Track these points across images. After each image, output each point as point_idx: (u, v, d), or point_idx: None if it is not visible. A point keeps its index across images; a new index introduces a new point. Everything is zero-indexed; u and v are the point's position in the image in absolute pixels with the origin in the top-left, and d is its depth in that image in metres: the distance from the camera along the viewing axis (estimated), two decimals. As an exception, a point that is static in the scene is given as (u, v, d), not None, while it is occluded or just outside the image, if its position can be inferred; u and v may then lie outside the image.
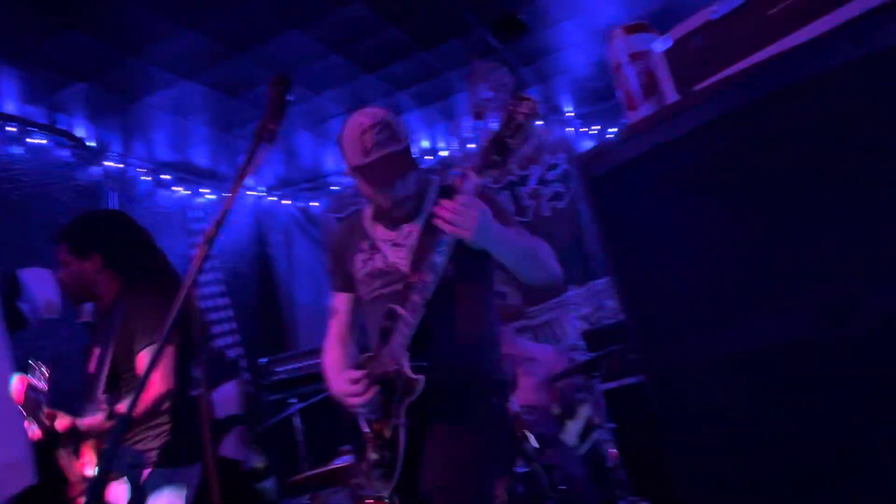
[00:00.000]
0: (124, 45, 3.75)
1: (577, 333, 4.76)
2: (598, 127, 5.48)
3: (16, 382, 2.28)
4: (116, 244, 2.48)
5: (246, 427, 5.07)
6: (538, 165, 5.43)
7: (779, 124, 1.08)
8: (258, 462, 5.00)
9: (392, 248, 2.13)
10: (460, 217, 1.83)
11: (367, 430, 2.04)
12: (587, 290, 5.01)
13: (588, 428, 4.10)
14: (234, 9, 3.60)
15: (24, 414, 2.21)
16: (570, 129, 5.47)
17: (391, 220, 2.16)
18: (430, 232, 1.99)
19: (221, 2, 3.53)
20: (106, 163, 4.78)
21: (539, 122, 5.41)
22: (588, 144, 5.51)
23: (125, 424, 1.27)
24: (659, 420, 1.35)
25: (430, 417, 1.93)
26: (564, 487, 3.32)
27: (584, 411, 4.08)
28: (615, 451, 3.33)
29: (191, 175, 5.44)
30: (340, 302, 2.27)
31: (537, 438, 3.40)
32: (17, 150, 4.28)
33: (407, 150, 2.07)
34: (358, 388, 1.98)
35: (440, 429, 1.93)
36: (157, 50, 3.83)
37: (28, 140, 4.30)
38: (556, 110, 5.45)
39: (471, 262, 2.03)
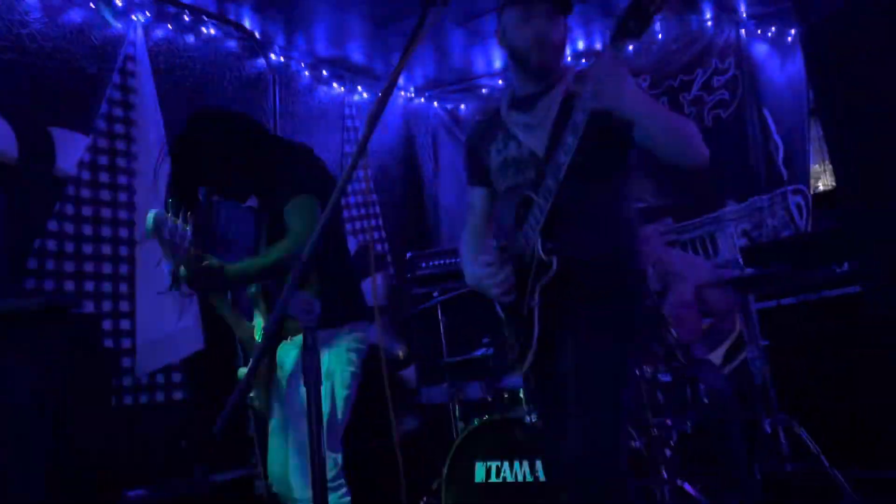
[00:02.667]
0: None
1: (734, 250, 4.52)
2: (774, 29, 5.01)
3: (150, 220, 2.20)
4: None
5: (390, 317, 5.30)
6: (704, 70, 5.06)
7: None
8: (400, 350, 5.23)
9: (526, 131, 2.04)
10: (604, 84, 1.71)
11: (502, 314, 2.05)
12: (748, 206, 4.70)
13: (737, 346, 3.94)
14: None
15: (165, 254, 2.22)
16: (742, 32, 5.03)
17: (526, 99, 2.07)
18: (566, 111, 1.90)
19: None
20: (270, 56, 4.95)
21: (708, 22, 5.01)
22: (762, 49, 5.06)
23: (301, 269, 1.33)
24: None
25: (564, 299, 1.90)
26: (707, 401, 3.23)
27: (732, 328, 3.91)
28: (766, 368, 3.18)
29: (347, 72, 5.54)
30: (477, 196, 2.24)
31: (682, 352, 3.30)
32: (190, 38, 4.51)
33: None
34: (491, 269, 1.97)
35: (575, 311, 1.90)
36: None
37: (201, 29, 4.51)
38: (728, 10, 5.01)
39: (608, 143, 1.92)
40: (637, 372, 2.04)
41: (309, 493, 2.25)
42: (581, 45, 5.44)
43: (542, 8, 1.96)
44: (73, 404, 2.62)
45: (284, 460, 2.39)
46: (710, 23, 5.09)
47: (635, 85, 1.78)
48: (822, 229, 4.45)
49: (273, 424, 2.47)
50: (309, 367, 1.33)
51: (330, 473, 2.28)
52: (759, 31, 5.05)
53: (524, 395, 3.14)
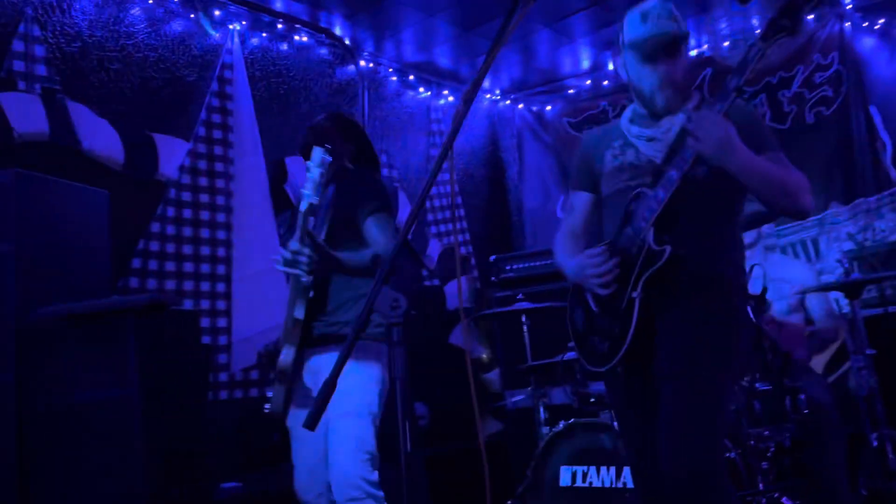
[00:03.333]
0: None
1: (838, 254, 4.29)
2: (882, 21, 4.73)
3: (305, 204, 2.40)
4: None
5: (474, 320, 5.30)
6: (805, 66, 4.83)
7: None
8: (484, 353, 5.23)
9: (647, 143, 2.06)
10: (703, 131, 1.78)
11: (595, 307, 2.04)
12: (853, 208, 4.46)
13: (840, 355, 3.74)
14: None
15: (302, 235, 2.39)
16: (846, 25, 4.78)
17: (650, 116, 2.09)
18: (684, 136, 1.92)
19: None
20: (360, 62, 5.05)
21: (810, 15, 4.79)
22: (868, 43, 4.78)
23: (389, 268, 1.35)
24: None
25: (668, 297, 1.89)
26: (808, 412, 3.07)
27: (835, 337, 3.71)
28: (873, 379, 2.99)
29: (434, 76, 5.60)
30: (579, 200, 2.23)
31: (782, 359, 3.16)
32: (283, 46, 4.65)
33: (683, 36, 2.02)
34: (597, 259, 1.97)
35: (679, 313, 1.90)
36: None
37: (294, 37, 4.65)
38: (832, 2, 4.77)
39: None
40: (735, 385, 2.00)
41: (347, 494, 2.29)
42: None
43: (664, 49, 1.98)
44: (172, 398, 2.72)
45: (313, 467, 2.44)
46: (812, 16, 4.86)
47: (734, 139, 1.80)
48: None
49: (296, 432, 2.51)
50: (395, 361, 1.34)
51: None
52: (864, 24, 4.78)
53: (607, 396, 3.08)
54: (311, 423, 1.30)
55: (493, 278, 4.84)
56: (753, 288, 3.15)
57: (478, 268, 5.53)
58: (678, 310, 1.90)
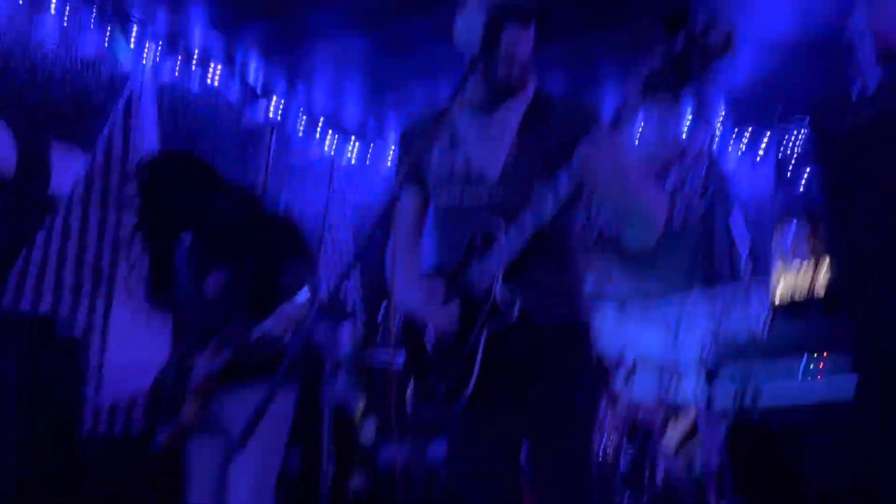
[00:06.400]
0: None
1: (697, 340, 4.68)
2: (748, 135, 5.38)
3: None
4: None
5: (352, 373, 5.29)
6: (676, 170, 5.34)
7: None
8: (359, 403, 5.20)
9: (477, 143, 1.78)
10: (601, 170, 1.55)
11: (431, 346, 1.78)
12: (709, 301, 4.90)
13: (691, 433, 4.06)
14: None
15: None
16: (716, 135, 5.38)
17: (487, 97, 1.77)
18: (530, 128, 1.74)
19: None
20: (270, 108, 5.08)
21: (685, 123, 5.34)
22: (733, 154, 5.41)
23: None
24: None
25: (514, 354, 1.71)
26: (664, 482, 3.34)
27: (689, 415, 4.05)
28: (722, 454, 3.30)
29: (340, 132, 5.66)
30: (410, 198, 1.88)
31: (643, 436, 3.42)
32: (194, 83, 4.63)
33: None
34: (437, 298, 1.75)
35: (534, 372, 1.73)
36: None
37: (206, 75, 4.65)
38: (705, 113, 5.36)
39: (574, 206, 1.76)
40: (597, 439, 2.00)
41: None
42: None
43: (514, 16, 1.69)
44: (47, 427, 2.59)
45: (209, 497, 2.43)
46: (686, 124, 5.41)
47: (632, 171, 1.63)
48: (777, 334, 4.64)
49: (194, 465, 2.49)
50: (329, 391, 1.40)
51: None
52: (732, 136, 5.40)
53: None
54: (242, 444, 1.31)
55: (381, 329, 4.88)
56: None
57: (367, 324, 5.57)
58: (532, 368, 1.73)
